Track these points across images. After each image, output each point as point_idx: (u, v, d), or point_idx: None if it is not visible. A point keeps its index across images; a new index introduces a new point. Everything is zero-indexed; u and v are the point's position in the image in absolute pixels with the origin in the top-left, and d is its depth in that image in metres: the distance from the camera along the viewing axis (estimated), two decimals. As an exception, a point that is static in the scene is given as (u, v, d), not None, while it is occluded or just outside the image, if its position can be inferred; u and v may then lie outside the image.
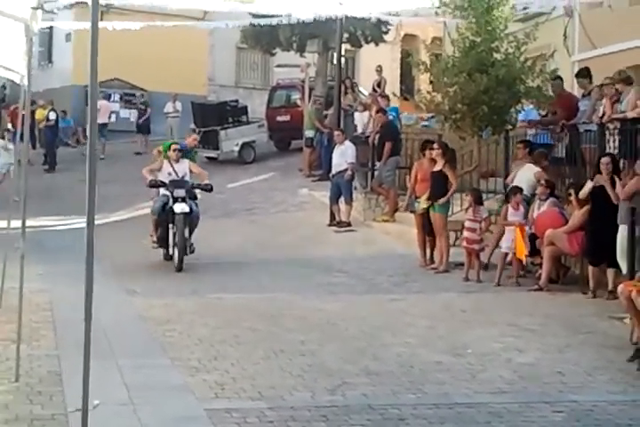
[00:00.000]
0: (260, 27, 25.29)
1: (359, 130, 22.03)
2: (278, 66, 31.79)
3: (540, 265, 13.16)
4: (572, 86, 19.25)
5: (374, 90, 26.25)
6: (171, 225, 14.30)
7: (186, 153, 15.68)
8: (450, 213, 15.07)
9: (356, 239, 17.61)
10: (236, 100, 30.91)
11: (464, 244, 13.97)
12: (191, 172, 15.15)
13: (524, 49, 16.07)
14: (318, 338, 9.68)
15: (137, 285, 12.89)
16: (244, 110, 29.56)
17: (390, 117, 20.33)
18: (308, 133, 25.20)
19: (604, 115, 14.10)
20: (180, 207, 14.17)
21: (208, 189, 15.01)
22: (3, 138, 23.82)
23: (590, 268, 12.35)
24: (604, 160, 12.33)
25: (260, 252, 16.29)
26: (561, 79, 16.36)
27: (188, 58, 33.88)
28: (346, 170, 18.76)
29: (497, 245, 13.86)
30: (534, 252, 13.47)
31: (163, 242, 14.62)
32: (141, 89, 34.57)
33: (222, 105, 29.96)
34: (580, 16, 23.65)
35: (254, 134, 28.79)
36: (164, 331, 9.86)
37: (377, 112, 19.94)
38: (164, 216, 14.46)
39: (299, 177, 24.85)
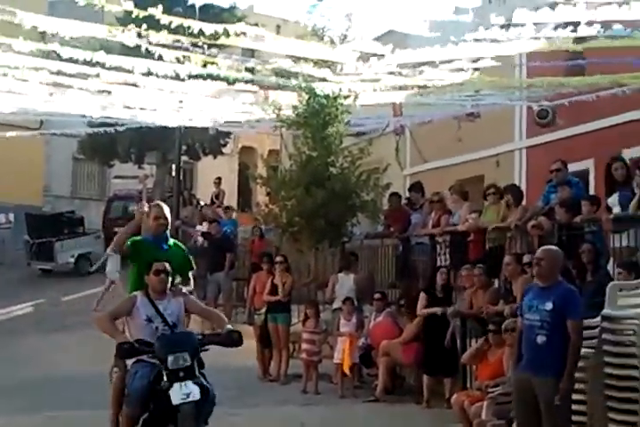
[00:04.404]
0: (98, 137, 25.23)
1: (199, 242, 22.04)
2: (116, 177, 31.73)
3: (376, 376, 13.29)
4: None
5: (213, 202, 26.45)
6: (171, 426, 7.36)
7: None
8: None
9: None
10: (72, 211, 30.65)
11: (303, 355, 13.99)
12: (187, 312, 8.54)
13: (358, 164, 16.50)
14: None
15: None
16: (81, 221, 29.31)
17: (228, 230, 20.57)
18: (146, 244, 24.95)
19: (434, 227, 14.61)
20: (185, 393, 7.28)
21: (235, 341, 7.76)
22: None
23: (425, 378, 12.49)
24: (443, 270, 12.82)
25: (102, 366, 15.81)
26: (399, 195, 16.81)
27: (23, 168, 33.24)
28: (186, 281, 18.71)
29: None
30: (370, 362, 13.63)
31: None
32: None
33: (58, 216, 29.62)
34: (411, 132, 24.65)
35: (91, 245, 28.37)
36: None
37: (211, 222, 20.46)
38: (151, 410, 7.48)
39: (138, 287, 24.45)
